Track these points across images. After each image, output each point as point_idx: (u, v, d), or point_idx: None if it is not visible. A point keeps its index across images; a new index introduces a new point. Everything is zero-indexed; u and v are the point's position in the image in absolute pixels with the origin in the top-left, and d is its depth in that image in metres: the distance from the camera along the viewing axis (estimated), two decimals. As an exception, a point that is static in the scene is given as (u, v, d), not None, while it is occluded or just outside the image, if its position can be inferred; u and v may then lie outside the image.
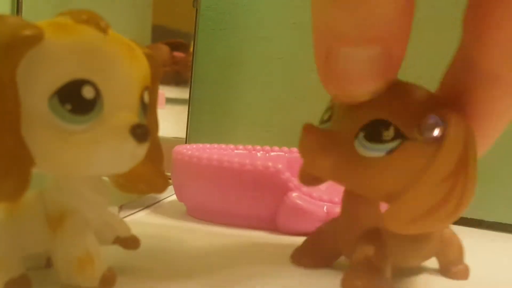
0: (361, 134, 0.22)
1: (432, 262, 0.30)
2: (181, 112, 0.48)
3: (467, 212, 0.41)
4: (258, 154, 0.43)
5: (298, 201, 0.34)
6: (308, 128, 0.23)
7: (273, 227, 0.35)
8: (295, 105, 0.40)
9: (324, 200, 0.35)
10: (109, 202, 0.24)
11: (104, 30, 0.19)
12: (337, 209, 0.34)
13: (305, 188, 0.35)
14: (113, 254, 0.27)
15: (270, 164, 0.34)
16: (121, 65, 0.20)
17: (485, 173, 0.42)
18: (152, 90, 0.23)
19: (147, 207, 0.40)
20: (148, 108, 0.22)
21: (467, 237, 0.40)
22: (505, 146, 0.42)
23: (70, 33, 0.19)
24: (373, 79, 0.19)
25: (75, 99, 0.19)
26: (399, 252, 0.25)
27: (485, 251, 0.37)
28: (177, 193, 0.39)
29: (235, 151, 0.43)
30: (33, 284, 0.21)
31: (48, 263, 0.24)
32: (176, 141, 0.48)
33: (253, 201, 0.35)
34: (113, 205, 0.35)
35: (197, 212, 0.37)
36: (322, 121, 0.25)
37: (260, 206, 0.35)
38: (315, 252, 0.28)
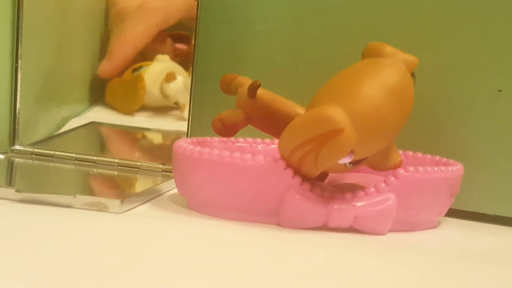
0: None
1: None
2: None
3: (468, 205, 0.42)
4: (259, 147, 0.43)
5: (300, 196, 0.34)
6: None
7: (275, 222, 0.35)
8: (297, 99, 0.40)
9: (326, 195, 0.35)
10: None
11: None
12: (338, 205, 0.35)
13: (306, 183, 0.35)
14: (115, 249, 0.27)
15: (272, 159, 0.34)
16: None
17: (488, 166, 0.42)
18: None
19: (148, 200, 0.40)
20: None
21: (468, 230, 0.40)
22: (509, 138, 0.42)
23: None
24: None
25: None
26: None
27: (485, 244, 0.37)
28: (178, 186, 0.39)
29: (236, 144, 0.43)
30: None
31: None
32: (177, 134, 0.48)
33: (254, 196, 0.35)
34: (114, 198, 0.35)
35: (198, 206, 0.37)
36: None
37: (261, 201, 0.35)
38: None
